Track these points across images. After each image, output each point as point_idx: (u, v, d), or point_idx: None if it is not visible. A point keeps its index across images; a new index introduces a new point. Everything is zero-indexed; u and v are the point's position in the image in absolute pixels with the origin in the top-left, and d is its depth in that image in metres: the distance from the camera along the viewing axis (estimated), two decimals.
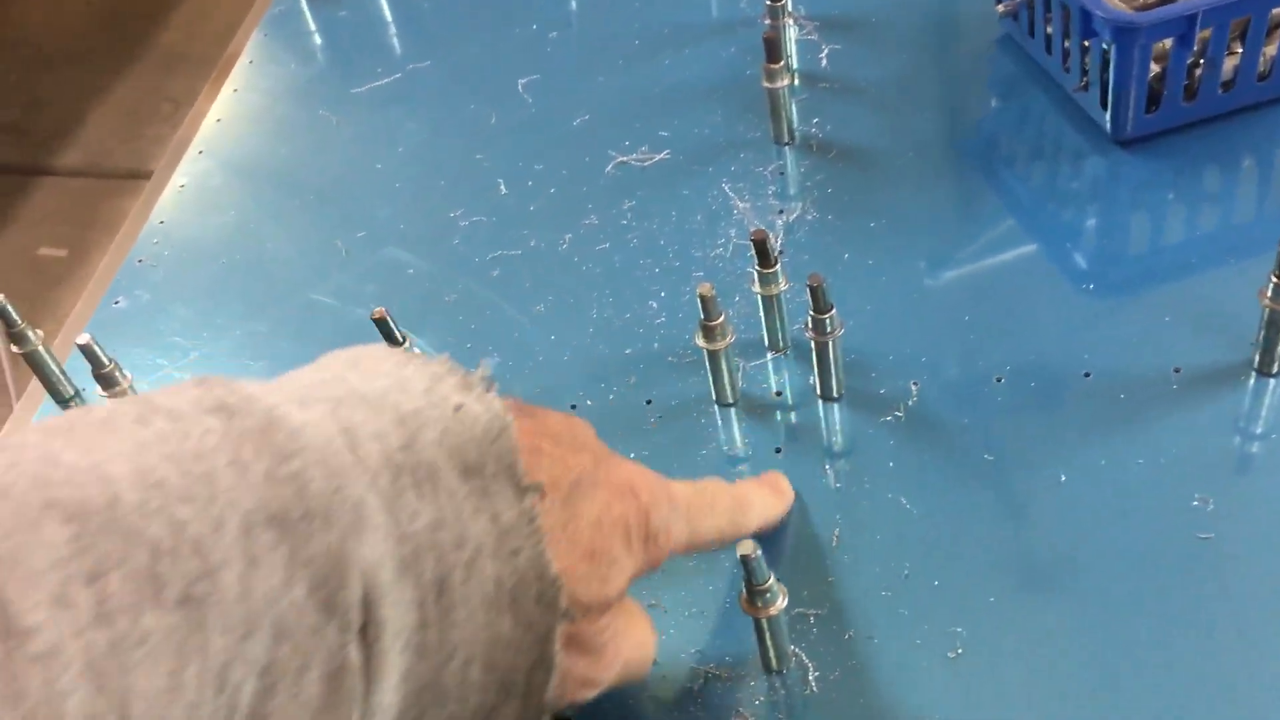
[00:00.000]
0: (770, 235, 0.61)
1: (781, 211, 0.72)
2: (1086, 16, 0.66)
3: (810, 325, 0.58)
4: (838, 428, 0.60)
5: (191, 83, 2.86)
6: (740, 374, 0.63)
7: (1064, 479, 0.55)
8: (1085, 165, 0.71)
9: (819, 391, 0.61)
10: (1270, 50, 0.67)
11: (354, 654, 0.32)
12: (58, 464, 0.29)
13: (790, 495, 0.55)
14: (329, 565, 0.32)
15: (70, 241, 2.51)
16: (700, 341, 0.59)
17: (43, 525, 0.27)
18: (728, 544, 0.50)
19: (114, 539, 0.28)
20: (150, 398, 0.33)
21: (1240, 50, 0.67)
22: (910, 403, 0.59)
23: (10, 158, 2.72)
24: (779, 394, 0.62)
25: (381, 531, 0.34)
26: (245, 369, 0.70)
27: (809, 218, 0.71)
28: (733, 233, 0.71)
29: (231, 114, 0.90)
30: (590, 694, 0.43)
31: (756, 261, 0.60)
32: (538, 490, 0.38)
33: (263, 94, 0.91)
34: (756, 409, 0.62)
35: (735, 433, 0.61)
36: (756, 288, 0.61)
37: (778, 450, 0.59)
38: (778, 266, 0.60)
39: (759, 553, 0.46)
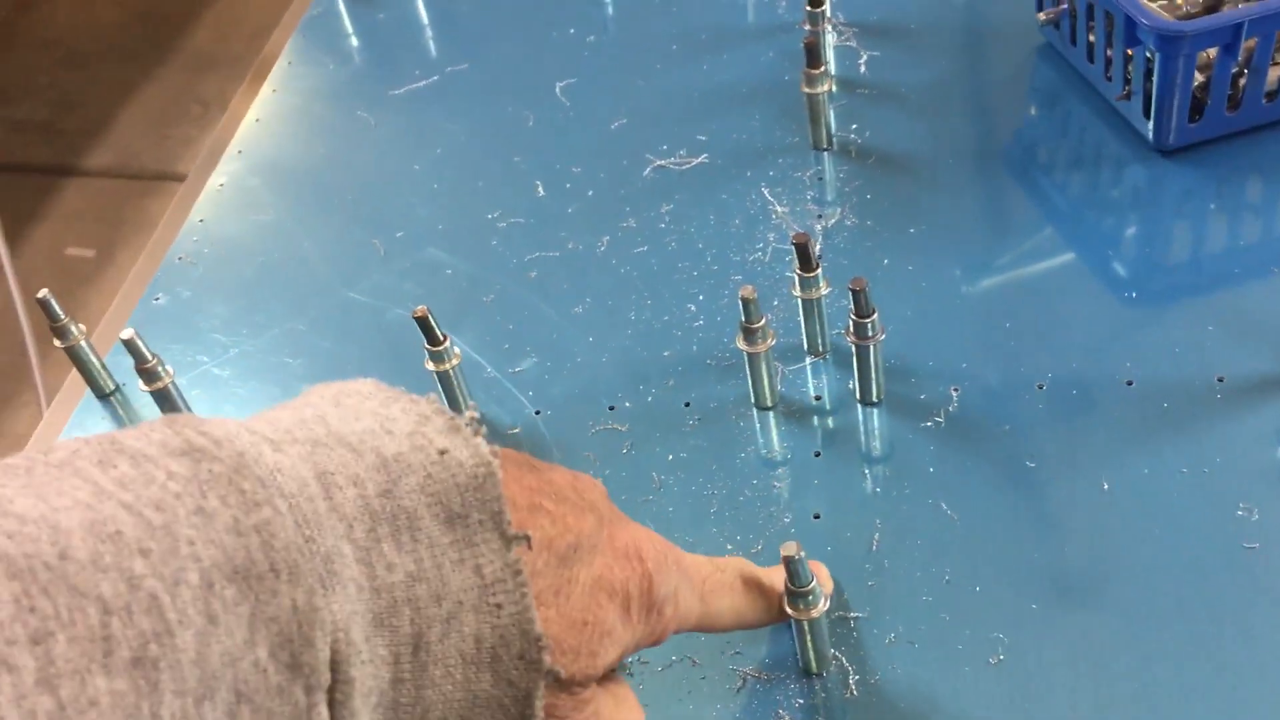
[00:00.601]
0: (811, 239, 0.61)
1: (820, 216, 0.72)
2: (1130, 25, 0.66)
3: (851, 329, 0.58)
4: (877, 433, 0.60)
5: (221, 84, 2.88)
6: (780, 378, 0.63)
7: (1106, 487, 0.54)
8: (1126, 174, 0.70)
9: (859, 396, 0.61)
10: None
11: (322, 714, 0.31)
12: (6, 513, 0.28)
13: (830, 585, 0.52)
14: (294, 623, 0.31)
15: (98, 241, 2.53)
16: (741, 344, 0.59)
17: None
18: (748, 628, 0.48)
19: (62, 596, 0.27)
20: (116, 437, 0.32)
21: None
22: (951, 408, 0.59)
23: (40, 157, 2.75)
24: (818, 398, 0.62)
25: (354, 585, 0.33)
26: (284, 366, 0.70)
27: (848, 223, 0.71)
28: (771, 237, 0.71)
29: (270, 114, 0.91)
30: None
31: (797, 265, 0.60)
32: (524, 540, 0.36)
33: (301, 94, 0.92)
34: (795, 413, 0.62)
35: (774, 436, 0.61)
36: (797, 291, 0.61)
37: (816, 454, 0.59)
38: (819, 270, 0.60)
39: (802, 554, 0.46)
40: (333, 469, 0.34)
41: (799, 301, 0.62)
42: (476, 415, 0.38)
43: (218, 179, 0.85)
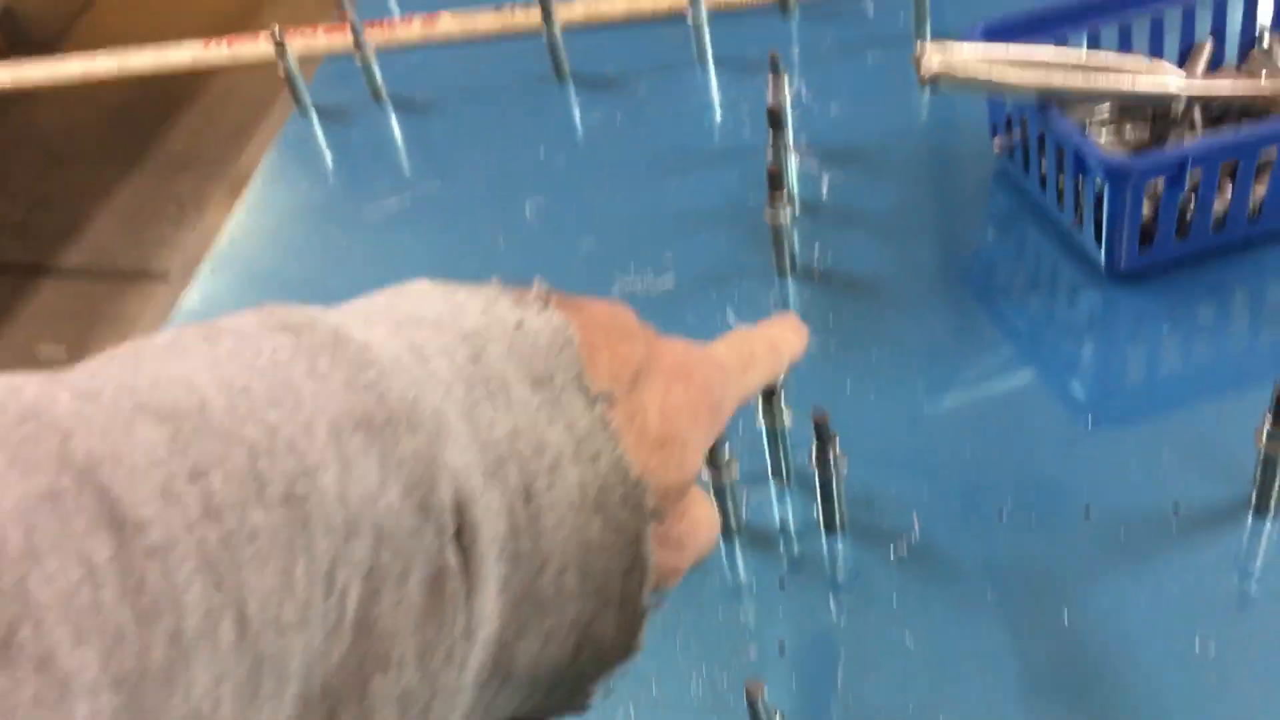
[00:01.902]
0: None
1: None
2: (1079, 157, 0.68)
3: (814, 459, 0.59)
4: (841, 561, 0.60)
5: (199, 184, 2.90)
6: (744, 505, 0.63)
7: (1067, 621, 0.55)
8: (1081, 298, 0.72)
9: (822, 524, 0.61)
10: (1260, 190, 0.69)
11: (452, 558, 0.32)
12: (139, 373, 0.29)
13: (805, 330, 0.55)
14: (420, 468, 0.31)
15: (70, 339, 2.52)
16: (705, 475, 0.60)
17: (136, 427, 0.27)
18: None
19: (210, 440, 0.28)
20: (212, 321, 0.33)
21: (1231, 188, 0.69)
22: (913, 537, 0.60)
23: (13, 256, 2.75)
24: (782, 526, 0.63)
25: (464, 439, 0.33)
26: None
27: (811, 348, 0.72)
28: None
29: (243, 234, 0.92)
30: (675, 583, 0.42)
31: (760, 394, 0.61)
32: (607, 399, 0.37)
33: (275, 215, 0.93)
34: (760, 540, 0.62)
35: (739, 563, 0.61)
36: (760, 421, 0.62)
37: (781, 583, 0.60)
38: (782, 398, 0.61)
39: (764, 691, 0.46)
40: (420, 343, 0.35)
41: (763, 430, 0.63)
42: (544, 288, 0.40)
43: (190, 300, 0.86)
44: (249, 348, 0.31)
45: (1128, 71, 0.71)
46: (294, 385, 0.31)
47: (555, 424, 0.36)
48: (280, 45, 1.00)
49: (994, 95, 0.73)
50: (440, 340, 0.36)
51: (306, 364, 0.31)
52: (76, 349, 2.46)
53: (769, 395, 0.61)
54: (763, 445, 0.64)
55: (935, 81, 0.69)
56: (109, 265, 2.70)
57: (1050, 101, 0.71)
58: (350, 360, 0.32)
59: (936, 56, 0.68)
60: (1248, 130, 0.67)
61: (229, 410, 0.29)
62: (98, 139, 3.03)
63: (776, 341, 0.53)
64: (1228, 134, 0.67)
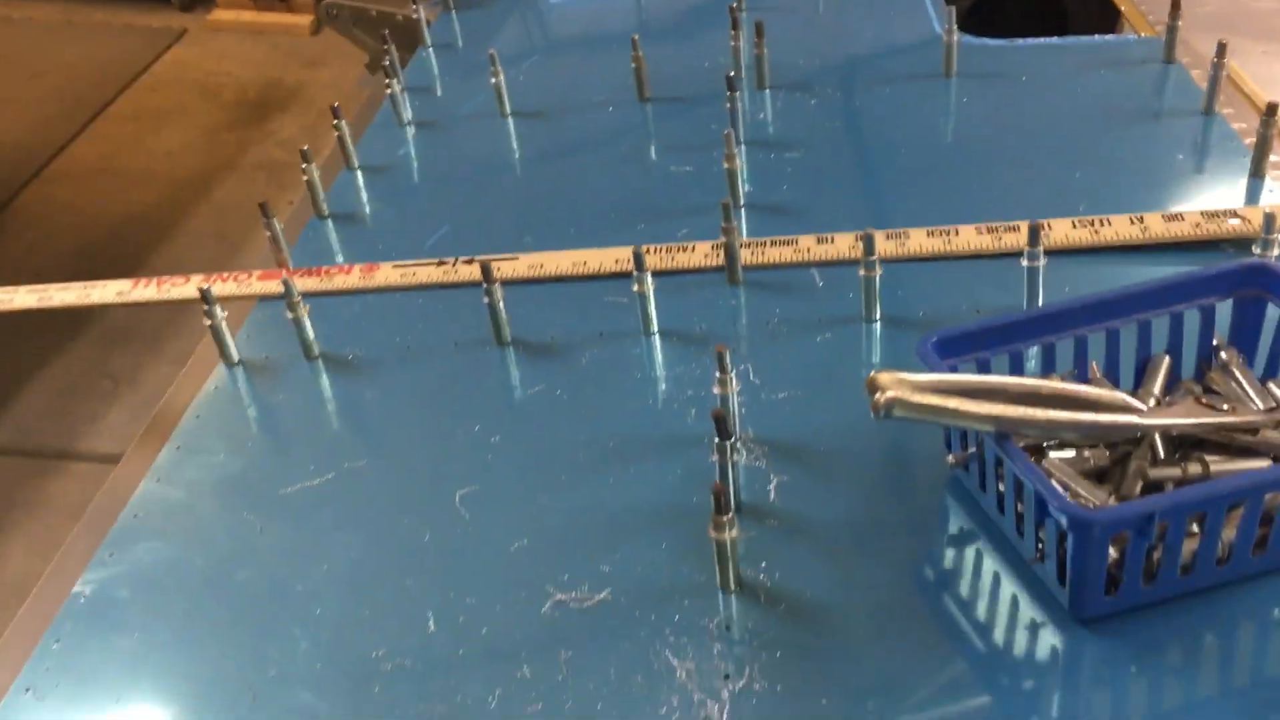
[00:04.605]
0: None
1: (727, 678, 0.67)
2: (1042, 500, 0.64)
3: None
4: None
5: (135, 359, 2.84)
6: None
7: None
8: (1044, 638, 0.68)
9: None
10: (1229, 535, 0.66)
11: None
12: None
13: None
14: None
15: None
16: None
17: None
18: None
19: None
20: None
21: (1199, 532, 0.66)
22: None
23: None
24: None
25: None
26: None
27: (756, 688, 0.67)
28: (675, 701, 0.66)
29: (150, 510, 0.85)
30: None
31: None
32: None
33: (187, 487, 0.87)
34: None
35: None
36: None
37: None
38: None
39: None
40: None
41: None
42: None
43: (81, 588, 0.79)
44: None
45: (1088, 402, 0.68)
46: None
47: None
48: (208, 298, 0.96)
49: (950, 425, 0.69)
50: None
51: None
52: None
53: None
54: None
55: (889, 413, 0.65)
56: (31, 444, 2.60)
57: (1008, 431, 0.67)
58: None
59: (891, 389, 0.65)
60: (1218, 482, 0.64)
61: None
62: (33, 309, 2.95)
63: None
64: (1196, 487, 0.64)
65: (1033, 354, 0.79)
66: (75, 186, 3.31)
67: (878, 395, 0.66)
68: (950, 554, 0.74)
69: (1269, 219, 0.87)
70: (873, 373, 0.67)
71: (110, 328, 2.90)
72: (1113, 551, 0.65)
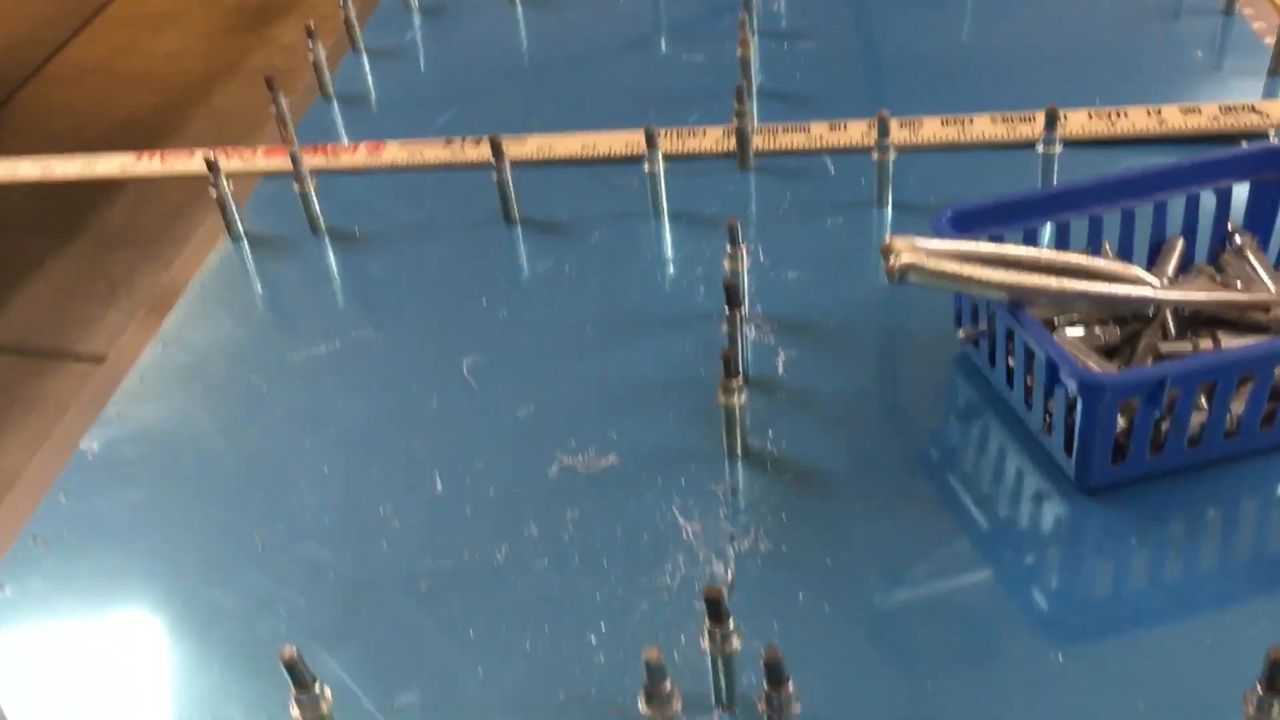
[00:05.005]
0: (724, 591, 0.56)
1: (733, 538, 0.68)
2: (1052, 366, 0.64)
3: (764, 698, 0.53)
4: None
5: (132, 264, 2.82)
6: None
7: None
8: (1048, 508, 0.68)
9: None
10: (1238, 408, 0.66)
11: None
12: None
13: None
14: None
15: None
16: (643, 708, 0.54)
17: None
18: None
19: None
20: None
21: (1207, 406, 0.66)
22: None
23: None
24: None
25: None
26: (127, 690, 0.63)
27: (761, 548, 0.67)
28: (681, 559, 0.67)
29: (155, 372, 0.85)
30: None
31: (707, 616, 0.56)
32: None
33: (193, 353, 0.87)
34: None
35: None
36: (706, 645, 0.57)
37: None
38: (730, 624, 0.56)
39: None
40: None
41: (708, 654, 0.57)
42: None
43: (89, 444, 0.79)
44: None
45: (1102, 276, 0.68)
46: None
47: None
48: (215, 169, 0.95)
49: (963, 292, 0.69)
50: None
51: None
52: None
53: (715, 614, 0.55)
54: (706, 670, 0.58)
55: (903, 278, 0.65)
56: (32, 343, 2.60)
57: (1021, 301, 0.67)
58: None
59: (905, 254, 0.65)
60: (1229, 352, 0.64)
61: None
62: (31, 213, 2.94)
63: None
64: (1208, 355, 0.64)
65: (1047, 233, 0.78)
66: (73, 88, 3.27)
67: (892, 259, 0.65)
68: (957, 428, 0.74)
69: None
70: (887, 237, 0.67)
71: (108, 231, 2.88)
72: (1121, 421, 0.65)
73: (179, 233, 2.65)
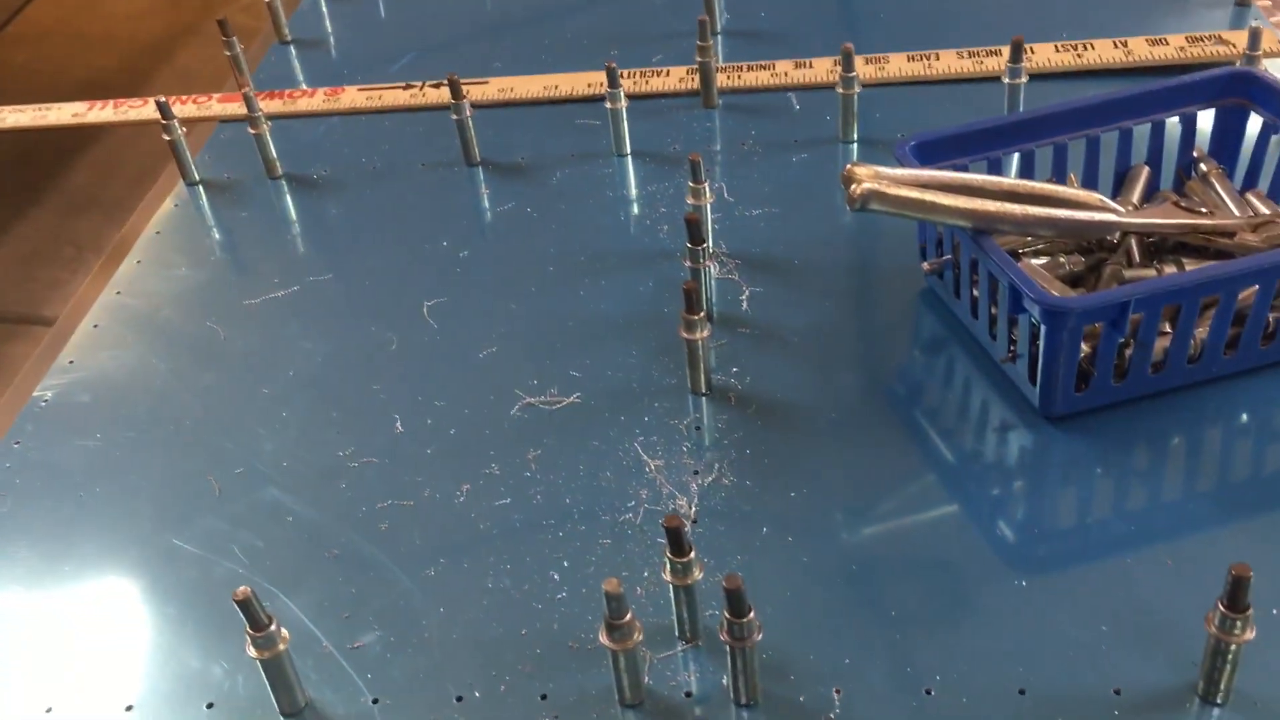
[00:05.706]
0: (684, 522, 0.56)
1: (696, 473, 0.67)
2: (1016, 293, 0.64)
3: (725, 628, 0.53)
4: None
5: (97, 228, 2.78)
6: (648, 668, 0.57)
7: None
8: (1012, 437, 0.68)
9: (733, 696, 0.55)
10: (1201, 333, 0.66)
11: None
12: None
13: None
14: None
15: None
16: (604, 639, 0.54)
17: None
18: None
19: None
20: None
21: (1171, 331, 0.66)
22: (833, 715, 0.54)
23: None
24: (689, 694, 0.56)
25: None
26: (88, 635, 0.62)
27: (725, 482, 0.66)
28: (644, 494, 0.66)
29: (110, 319, 0.83)
30: None
31: (669, 548, 0.55)
32: None
33: (147, 298, 0.85)
34: (664, 711, 0.55)
35: None
36: (668, 575, 0.56)
37: None
38: (692, 555, 0.55)
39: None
40: None
41: (670, 585, 0.56)
42: None
43: (42, 392, 0.78)
44: None
45: (1067, 204, 0.67)
46: None
47: None
48: (166, 111, 0.93)
49: (926, 219, 0.68)
50: None
51: None
52: None
53: (676, 545, 0.55)
54: (669, 601, 0.57)
55: (865, 205, 0.64)
56: None
57: (984, 229, 0.66)
58: None
59: (867, 181, 0.64)
60: (1192, 272, 0.63)
61: None
62: None
63: None
64: (1171, 277, 0.64)
65: (1013, 164, 0.78)
66: (31, 50, 3.21)
67: (854, 187, 0.64)
68: (921, 360, 0.74)
69: (1254, 35, 0.86)
70: (849, 165, 0.66)
71: (73, 196, 2.84)
72: (1084, 347, 0.65)
73: (145, 196, 2.62)
